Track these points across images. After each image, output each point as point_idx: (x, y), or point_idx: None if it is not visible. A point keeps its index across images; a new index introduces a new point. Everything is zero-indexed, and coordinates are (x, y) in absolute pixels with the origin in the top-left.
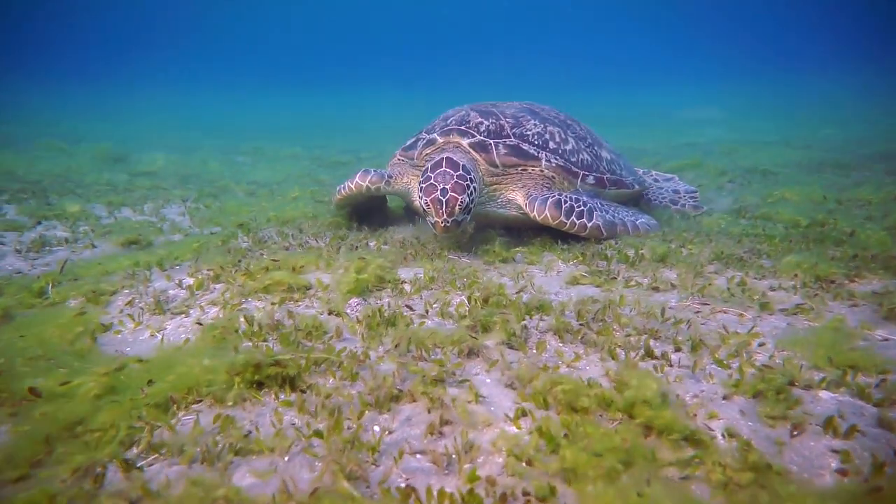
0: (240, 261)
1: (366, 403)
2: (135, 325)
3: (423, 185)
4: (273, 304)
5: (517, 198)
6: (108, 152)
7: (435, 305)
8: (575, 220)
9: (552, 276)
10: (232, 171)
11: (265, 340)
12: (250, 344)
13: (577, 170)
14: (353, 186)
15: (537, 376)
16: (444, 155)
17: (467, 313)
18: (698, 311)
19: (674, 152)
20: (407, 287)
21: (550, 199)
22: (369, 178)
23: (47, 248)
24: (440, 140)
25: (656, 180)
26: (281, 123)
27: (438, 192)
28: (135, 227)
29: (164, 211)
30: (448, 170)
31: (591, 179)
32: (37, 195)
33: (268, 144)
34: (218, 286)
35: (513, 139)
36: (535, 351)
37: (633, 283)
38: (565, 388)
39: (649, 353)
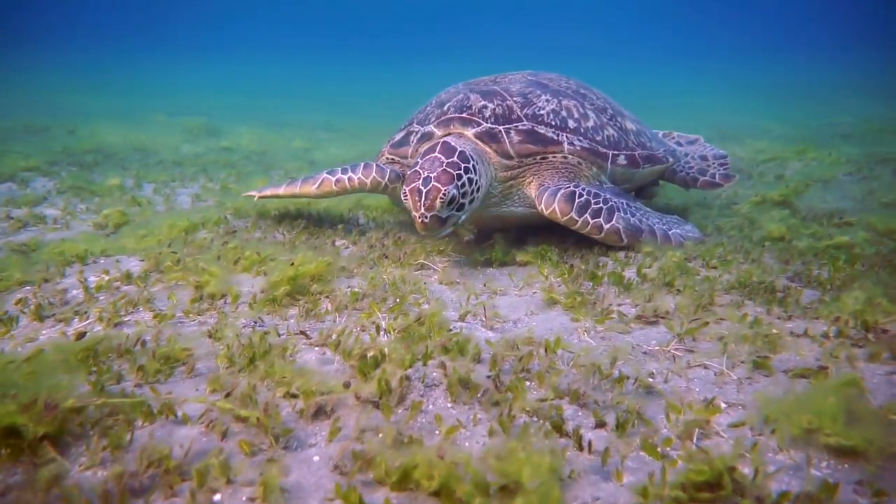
0: (179, 259)
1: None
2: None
3: (409, 172)
4: (160, 317)
5: (532, 192)
6: (202, 126)
7: (332, 337)
8: (589, 218)
9: (525, 297)
10: (304, 148)
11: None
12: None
13: (604, 150)
14: (362, 179)
15: (380, 458)
16: (443, 139)
17: (365, 348)
18: (670, 363)
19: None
20: (327, 305)
21: (562, 191)
22: (387, 175)
23: (29, 225)
24: (438, 133)
25: (679, 144)
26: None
27: (420, 182)
28: (131, 206)
29: (181, 190)
30: (439, 155)
31: (622, 159)
32: (87, 168)
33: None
34: (126, 288)
35: (525, 122)
36: (407, 412)
37: (612, 313)
38: (421, 471)
39: (557, 428)
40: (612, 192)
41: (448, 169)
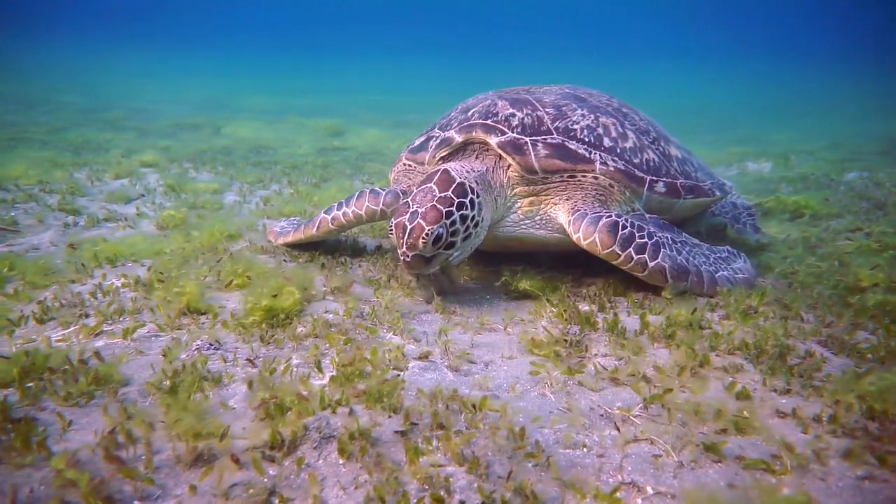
0: (162, 273)
1: None
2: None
3: (400, 204)
4: (126, 332)
5: (559, 214)
6: (331, 127)
7: (267, 372)
8: (633, 253)
9: (513, 336)
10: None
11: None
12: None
13: (641, 174)
14: (356, 211)
15: None
16: (444, 166)
17: (277, 391)
18: (615, 433)
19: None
20: (280, 335)
21: (605, 220)
22: (382, 199)
23: (103, 223)
24: (458, 139)
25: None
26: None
27: (406, 217)
28: (200, 207)
29: (259, 192)
30: (434, 187)
31: (660, 187)
32: (201, 163)
33: None
34: (132, 294)
35: (555, 136)
36: (293, 466)
37: (584, 367)
38: None
39: (438, 502)
40: (655, 225)
41: (437, 205)
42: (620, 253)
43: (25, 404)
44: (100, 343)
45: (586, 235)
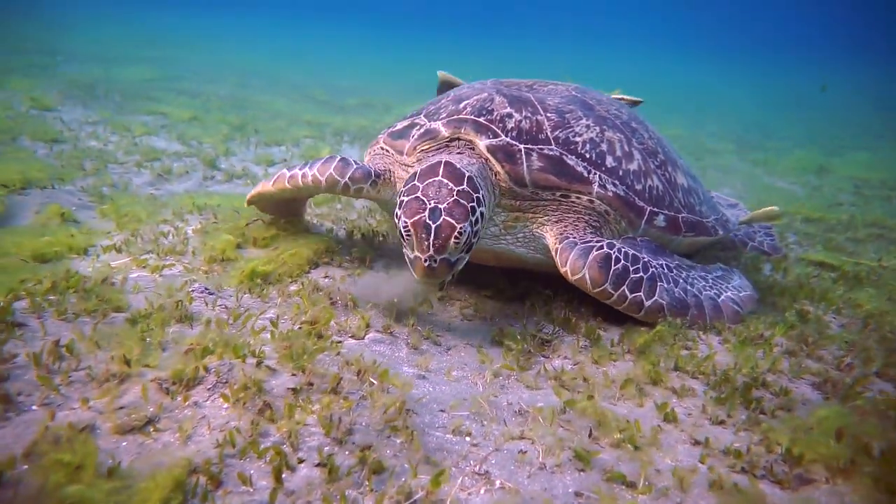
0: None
1: None
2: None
3: (406, 198)
4: (153, 270)
5: (546, 235)
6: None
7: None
8: (627, 292)
9: (477, 325)
10: None
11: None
12: None
13: (642, 204)
14: (316, 176)
15: None
16: (443, 157)
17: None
18: (505, 426)
19: None
20: (272, 291)
21: (595, 253)
22: (350, 172)
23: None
24: (444, 133)
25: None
26: None
27: (426, 214)
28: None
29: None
30: (445, 180)
31: (660, 220)
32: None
33: None
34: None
35: (554, 147)
36: (181, 401)
37: (531, 364)
38: None
39: (278, 454)
40: (648, 251)
41: (461, 200)
42: (613, 292)
43: (27, 311)
44: (135, 274)
45: (574, 270)
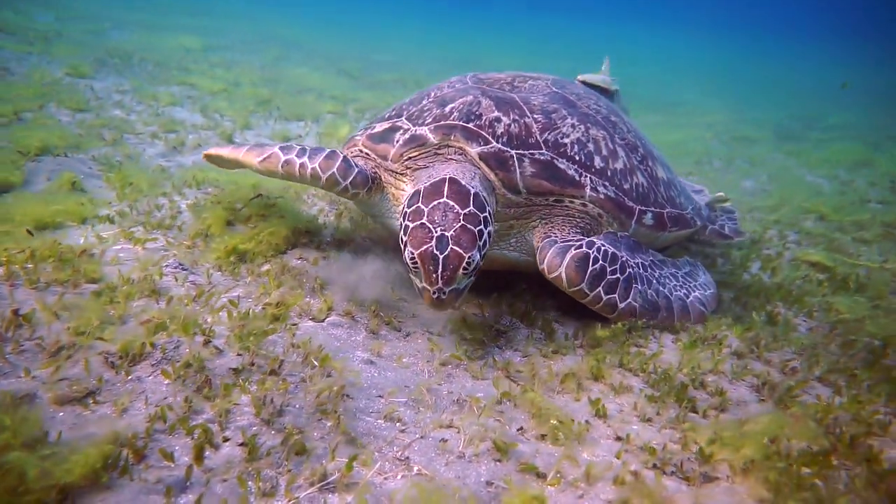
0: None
1: None
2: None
3: (411, 224)
4: (136, 242)
5: (534, 236)
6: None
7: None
8: (602, 293)
9: (444, 315)
10: None
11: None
12: None
13: (631, 204)
14: (316, 170)
15: None
16: (446, 174)
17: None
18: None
19: None
20: (242, 269)
21: (574, 252)
22: (351, 176)
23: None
24: (433, 139)
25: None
26: None
27: (433, 244)
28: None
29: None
30: (451, 202)
31: (648, 218)
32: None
33: None
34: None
35: (544, 151)
36: (123, 375)
37: (481, 355)
38: None
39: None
40: (627, 248)
41: (468, 225)
42: (589, 293)
43: (1, 279)
44: (118, 247)
45: (552, 268)
